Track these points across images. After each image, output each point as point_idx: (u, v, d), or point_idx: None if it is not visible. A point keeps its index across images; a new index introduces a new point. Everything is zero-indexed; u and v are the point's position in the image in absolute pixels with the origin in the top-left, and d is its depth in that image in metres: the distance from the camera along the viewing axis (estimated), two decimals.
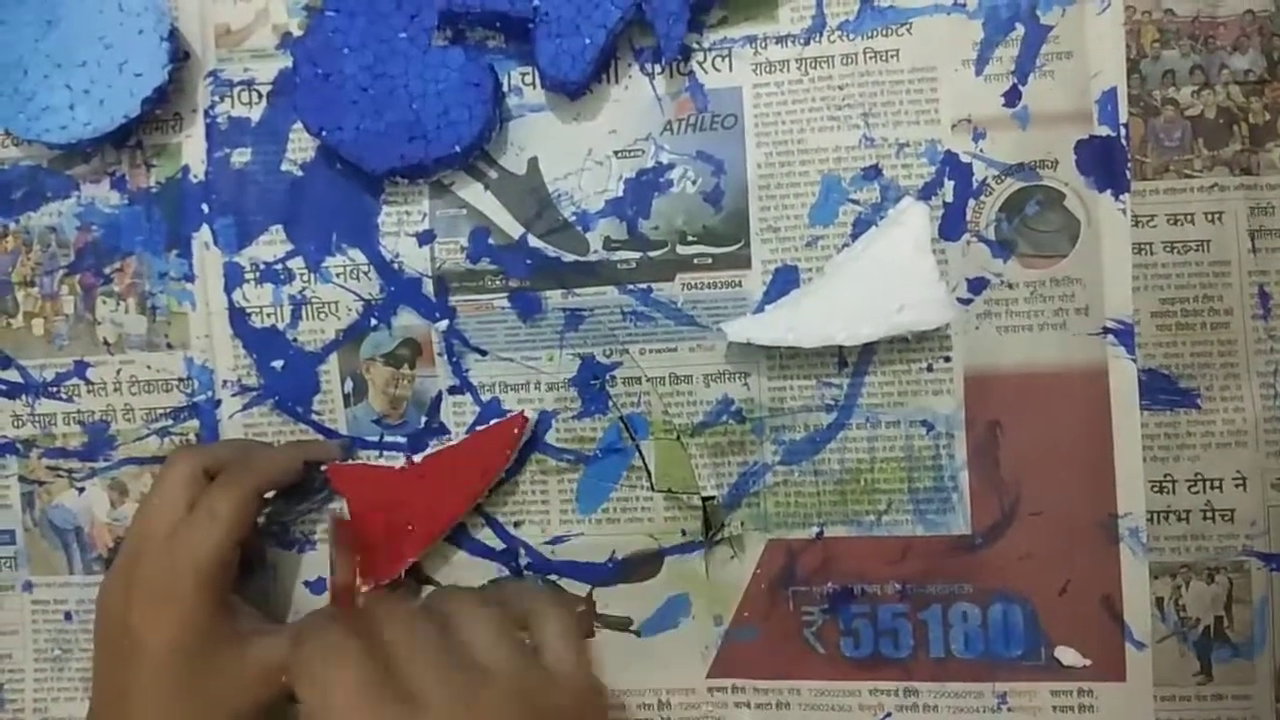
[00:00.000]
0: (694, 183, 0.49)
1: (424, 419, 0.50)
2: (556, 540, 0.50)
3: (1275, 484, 0.47)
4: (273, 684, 0.43)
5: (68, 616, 0.52)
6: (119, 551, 0.45)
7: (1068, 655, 0.47)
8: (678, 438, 0.49)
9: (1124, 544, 0.46)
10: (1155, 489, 0.47)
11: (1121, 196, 0.47)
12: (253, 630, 0.45)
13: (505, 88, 0.50)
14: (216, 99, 0.51)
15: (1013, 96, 0.47)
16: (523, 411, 0.49)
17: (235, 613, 0.45)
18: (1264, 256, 0.47)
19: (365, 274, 0.51)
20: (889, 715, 0.48)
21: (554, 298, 0.50)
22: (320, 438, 0.51)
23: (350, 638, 0.36)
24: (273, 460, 0.47)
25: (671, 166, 0.49)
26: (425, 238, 0.50)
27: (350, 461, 0.50)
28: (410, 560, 0.48)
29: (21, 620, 0.53)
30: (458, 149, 0.48)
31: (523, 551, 0.50)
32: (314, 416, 0.51)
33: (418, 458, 0.49)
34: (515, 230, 0.50)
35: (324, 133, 0.48)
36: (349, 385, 0.51)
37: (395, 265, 0.50)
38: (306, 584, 0.51)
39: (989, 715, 0.47)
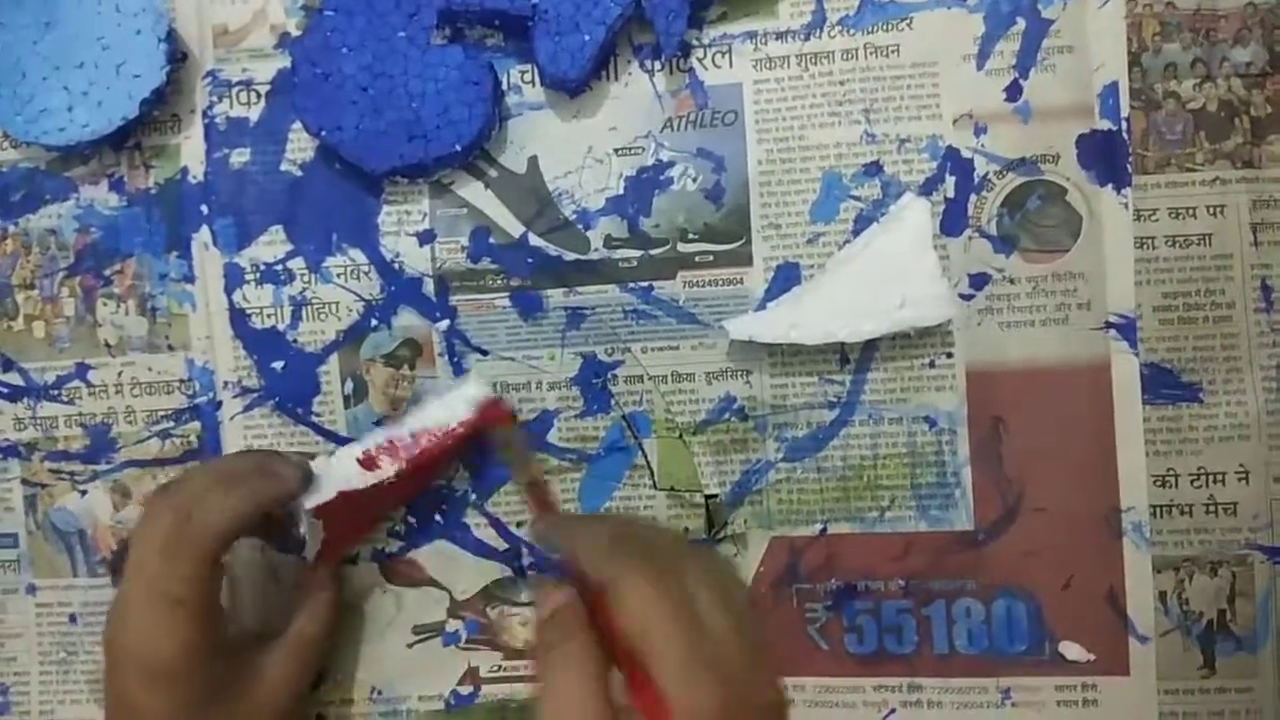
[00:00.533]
0: (695, 180, 0.49)
1: None
2: None
3: (1278, 477, 0.47)
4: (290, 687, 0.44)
5: (72, 619, 0.52)
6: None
7: (1071, 650, 0.47)
8: (680, 436, 0.49)
9: (1127, 538, 0.47)
10: (1158, 483, 0.47)
11: (1123, 191, 0.47)
12: (256, 653, 0.44)
13: (505, 86, 0.50)
14: (215, 99, 0.51)
15: (1014, 91, 0.47)
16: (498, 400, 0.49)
17: (230, 649, 0.43)
18: (1266, 250, 0.47)
19: (366, 274, 0.51)
20: (893, 711, 0.48)
21: (555, 296, 0.50)
22: (292, 456, 0.47)
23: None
24: (222, 515, 0.41)
25: (672, 164, 0.49)
26: (426, 237, 0.50)
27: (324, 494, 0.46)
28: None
29: (26, 623, 0.53)
30: (458, 148, 0.48)
31: (525, 551, 0.50)
32: (314, 418, 0.51)
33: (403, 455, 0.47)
34: (516, 229, 0.50)
35: (323, 133, 0.48)
36: (349, 386, 0.51)
37: (396, 265, 0.50)
38: None
39: (993, 710, 0.47)
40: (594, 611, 0.36)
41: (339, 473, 0.45)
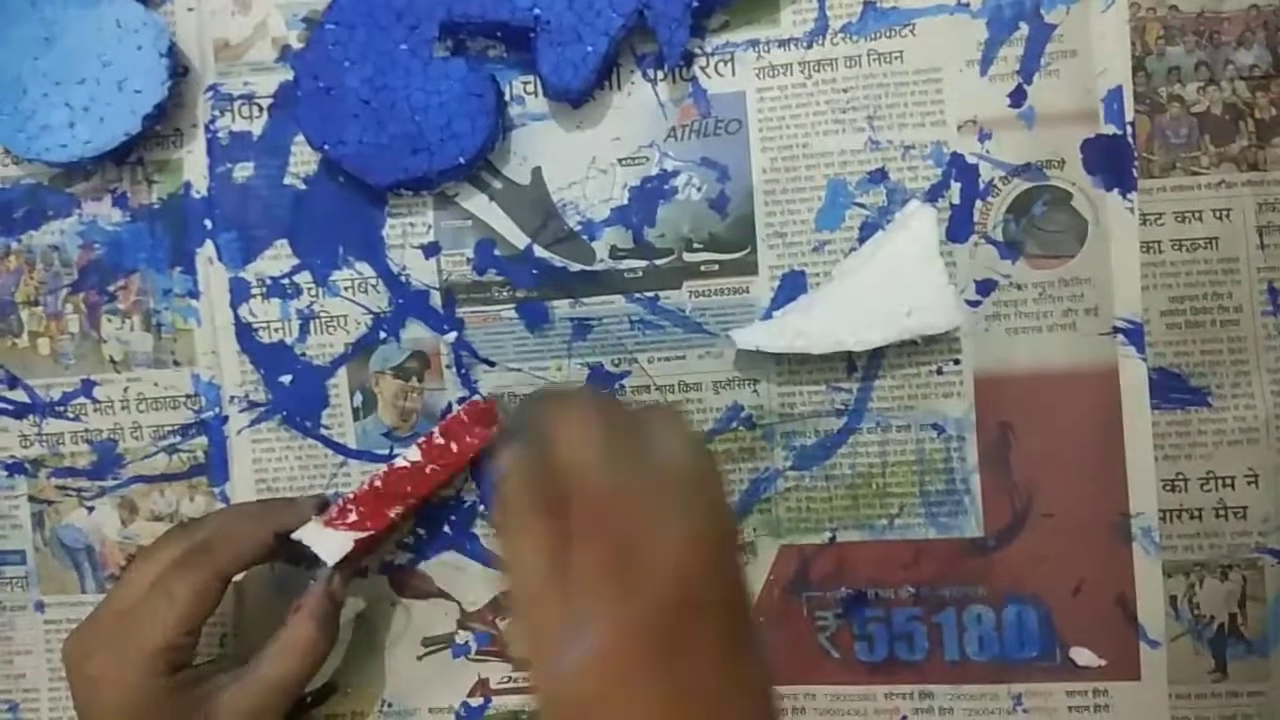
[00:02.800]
0: (699, 189, 0.49)
1: None
2: None
3: None
4: None
5: None
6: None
7: (1082, 655, 0.47)
8: None
9: (1137, 543, 0.47)
10: (1167, 488, 0.47)
11: (1129, 195, 0.47)
12: (216, 687, 0.43)
13: (507, 97, 0.50)
14: (217, 114, 0.51)
15: (1018, 96, 0.47)
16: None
17: (196, 678, 0.43)
18: (1273, 253, 0.47)
19: (374, 287, 0.51)
20: (904, 718, 0.48)
21: (561, 307, 0.50)
22: (284, 499, 0.50)
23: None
24: (239, 540, 0.44)
25: (676, 173, 0.49)
26: (431, 250, 0.50)
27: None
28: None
29: (35, 640, 0.53)
30: (461, 160, 0.48)
31: None
32: (323, 431, 0.51)
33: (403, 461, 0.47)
34: (521, 240, 0.50)
35: (326, 146, 0.48)
36: (358, 399, 0.51)
37: (403, 278, 0.50)
38: None
39: (1004, 717, 0.47)
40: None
41: (327, 547, 0.45)
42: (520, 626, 0.33)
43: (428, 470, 0.47)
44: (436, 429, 0.48)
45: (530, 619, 0.32)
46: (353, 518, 0.45)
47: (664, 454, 0.33)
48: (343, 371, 0.51)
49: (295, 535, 0.45)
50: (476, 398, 0.50)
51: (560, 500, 0.32)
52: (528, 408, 0.38)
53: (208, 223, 0.51)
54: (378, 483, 0.46)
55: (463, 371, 0.50)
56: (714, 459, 0.35)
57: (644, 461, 0.33)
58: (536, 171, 0.50)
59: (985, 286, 0.47)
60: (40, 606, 0.53)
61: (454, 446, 0.47)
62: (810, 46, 0.48)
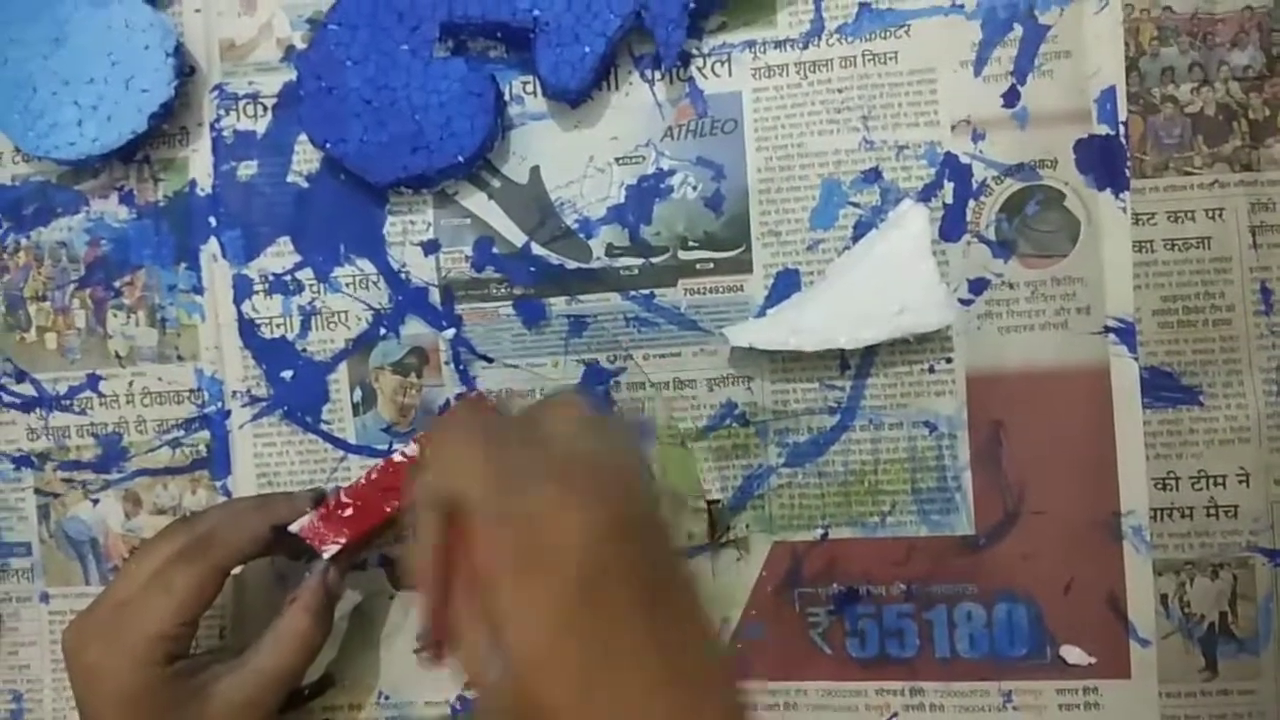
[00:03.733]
0: (695, 188, 0.49)
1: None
2: None
3: (1279, 480, 0.47)
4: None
5: None
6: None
7: (1073, 654, 0.47)
8: (682, 442, 0.49)
9: (1128, 542, 0.47)
10: (1158, 486, 0.47)
11: (1122, 195, 0.47)
12: (212, 677, 0.43)
13: (507, 97, 0.50)
14: (222, 113, 0.52)
15: (1011, 97, 0.48)
16: None
17: (193, 668, 0.43)
18: (1265, 252, 0.47)
19: (375, 284, 0.51)
20: (895, 715, 0.48)
21: (558, 305, 0.50)
22: (283, 494, 0.50)
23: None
24: (238, 534, 0.44)
25: (672, 172, 0.50)
26: (430, 247, 0.51)
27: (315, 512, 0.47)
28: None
29: (40, 631, 0.53)
30: (460, 159, 0.48)
31: None
32: (323, 426, 0.51)
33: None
34: (519, 238, 0.50)
35: (328, 145, 0.49)
36: (358, 394, 0.51)
37: (402, 275, 0.51)
38: None
39: (995, 714, 0.48)
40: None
41: (323, 540, 0.46)
42: (454, 651, 0.34)
43: None
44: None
45: (458, 644, 0.33)
46: (349, 511, 0.46)
47: (552, 445, 0.34)
48: (343, 367, 0.51)
49: (292, 528, 0.45)
50: (474, 392, 0.50)
51: (460, 521, 0.33)
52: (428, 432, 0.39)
53: (212, 220, 0.52)
54: (375, 476, 0.47)
55: (461, 368, 0.51)
56: (614, 435, 0.36)
57: (528, 462, 0.33)
58: (535, 170, 0.50)
59: (978, 285, 0.48)
60: (45, 598, 0.53)
61: None
62: (806, 47, 0.49)
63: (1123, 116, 0.47)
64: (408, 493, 0.36)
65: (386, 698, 0.51)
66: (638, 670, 0.30)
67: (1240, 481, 0.47)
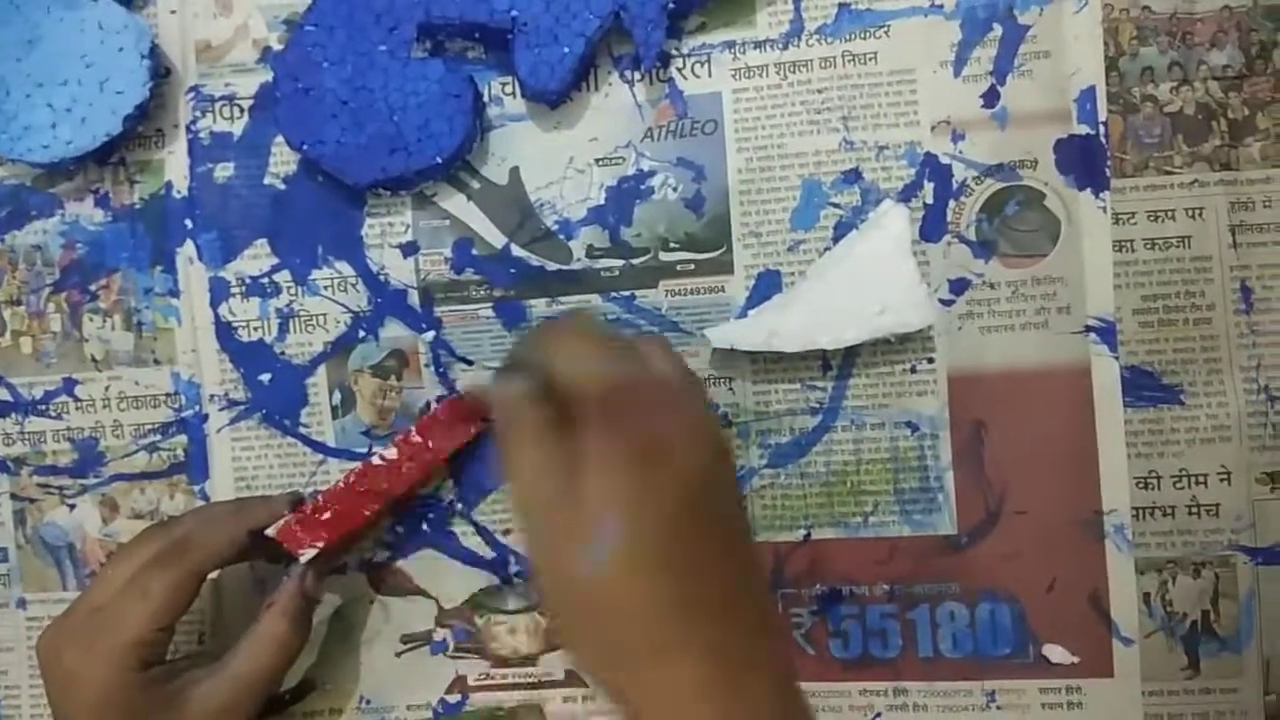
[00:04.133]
0: (675, 189, 0.49)
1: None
2: None
3: (1260, 478, 0.47)
4: None
5: None
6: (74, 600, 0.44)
7: (1055, 653, 0.47)
8: None
9: (1109, 541, 0.47)
10: (1140, 485, 0.47)
11: (1102, 194, 0.47)
12: (189, 682, 0.42)
13: (485, 98, 0.50)
14: (198, 114, 0.52)
15: (991, 97, 0.48)
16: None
17: (170, 674, 0.43)
18: (1245, 251, 0.47)
19: (353, 286, 0.51)
20: (879, 715, 0.48)
21: (538, 306, 0.50)
22: (260, 497, 0.50)
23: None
24: (215, 538, 0.44)
25: (652, 173, 0.49)
26: (409, 249, 0.51)
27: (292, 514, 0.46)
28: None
29: (16, 637, 0.53)
30: (439, 160, 0.48)
31: (512, 560, 0.50)
32: (302, 429, 0.51)
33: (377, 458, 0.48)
34: (498, 240, 0.50)
35: (305, 146, 0.48)
36: (337, 397, 0.51)
37: (381, 277, 0.51)
38: None
39: (978, 714, 0.48)
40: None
41: (300, 544, 0.46)
42: (532, 540, 0.34)
43: (404, 468, 0.47)
44: (414, 427, 0.48)
45: (544, 532, 0.33)
46: (327, 515, 0.45)
47: (660, 369, 0.35)
48: (322, 370, 0.51)
49: (269, 532, 0.45)
50: (454, 395, 0.50)
51: (565, 416, 0.33)
52: (523, 341, 0.40)
53: (188, 222, 0.52)
54: (353, 480, 0.46)
55: (441, 370, 0.50)
56: (698, 385, 0.38)
57: (644, 372, 0.35)
58: (514, 171, 0.50)
59: (958, 285, 0.48)
60: (22, 603, 0.53)
61: (431, 444, 0.47)
62: (786, 48, 0.49)
63: (1103, 116, 0.47)
64: (500, 380, 0.36)
65: (368, 702, 0.51)
66: (720, 590, 0.32)
67: (1222, 480, 0.47)
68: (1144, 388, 0.47)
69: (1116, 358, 0.47)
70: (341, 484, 0.46)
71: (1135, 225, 0.47)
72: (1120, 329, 0.47)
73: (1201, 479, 0.47)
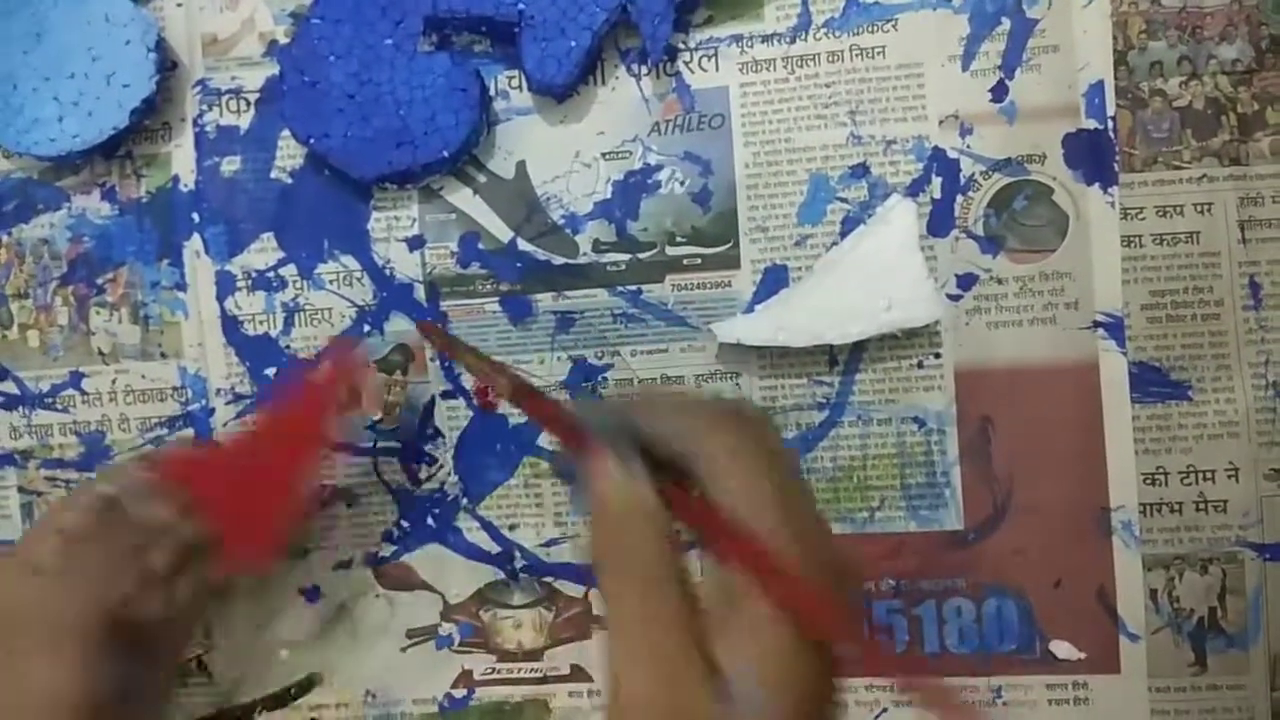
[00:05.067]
0: (682, 183, 0.49)
1: (417, 424, 0.50)
2: (551, 543, 0.50)
3: (1268, 474, 0.47)
4: None
5: None
6: None
7: (1062, 649, 0.47)
8: None
9: (1117, 537, 0.47)
10: (1147, 481, 0.47)
11: (1110, 189, 0.47)
12: None
13: (492, 92, 0.50)
14: (205, 108, 0.52)
15: (1000, 91, 0.47)
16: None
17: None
18: (1254, 247, 0.47)
19: (359, 280, 0.51)
20: (885, 710, 0.48)
21: (544, 301, 0.50)
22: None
23: None
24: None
25: (659, 168, 0.49)
26: (415, 243, 0.50)
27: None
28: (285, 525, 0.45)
29: None
30: (445, 154, 0.48)
31: (518, 554, 0.50)
32: None
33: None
34: (505, 234, 0.50)
35: (312, 140, 0.48)
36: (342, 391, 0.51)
37: (387, 271, 0.51)
38: (302, 591, 0.51)
39: (985, 709, 0.47)
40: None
41: None
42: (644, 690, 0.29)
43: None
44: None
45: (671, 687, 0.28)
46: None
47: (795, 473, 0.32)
48: (327, 364, 0.51)
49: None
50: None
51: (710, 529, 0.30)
52: (627, 411, 0.33)
53: (195, 216, 0.52)
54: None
55: (446, 365, 0.50)
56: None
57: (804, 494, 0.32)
58: (521, 165, 0.50)
59: (966, 280, 0.48)
60: None
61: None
62: (793, 41, 0.49)
63: (1111, 111, 0.47)
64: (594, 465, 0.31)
65: (373, 696, 0.51)
66: None
67: (1229, 476, 0.47)
68: (1152, 383, 0.47)
69: (1124, 353, 0.47)
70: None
71: (1144, 220, 0.47)
72: (1128, 324, 0.47)
73: (1209, 475, 0.47)
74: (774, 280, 0.49)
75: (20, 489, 0.53)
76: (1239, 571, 0.47)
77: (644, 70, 0.49)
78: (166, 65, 0.51)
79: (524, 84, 0.50)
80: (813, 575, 0.29)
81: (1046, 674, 0.47)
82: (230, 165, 0.51)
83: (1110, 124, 0.47)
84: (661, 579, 0.29)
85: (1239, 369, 0.47)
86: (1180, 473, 0.47)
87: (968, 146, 0.48)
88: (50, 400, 0.53)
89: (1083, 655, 0.47)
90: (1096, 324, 0.47)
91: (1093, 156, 0.47)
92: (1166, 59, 0.47)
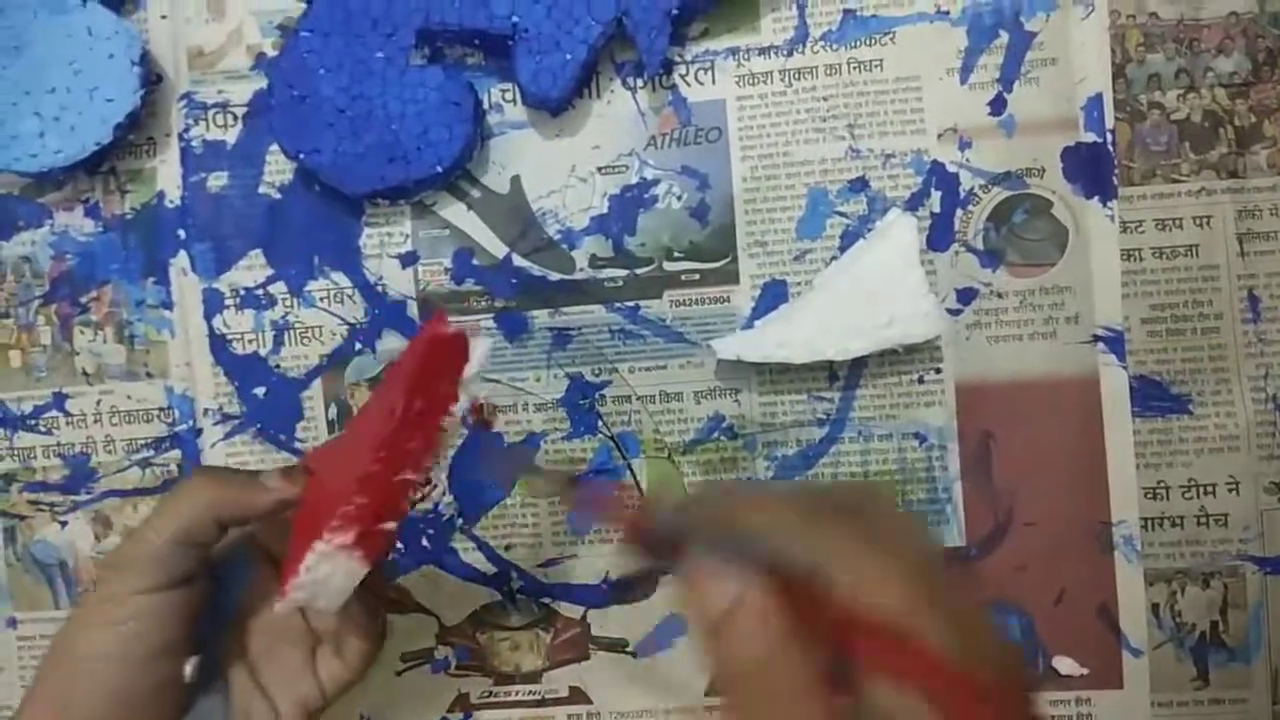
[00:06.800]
0: (679, 198, 0.49)
1: None
2: (549, 563, 0.49)
3: (1268, 488, 0.47)
4: None
5: None
6: None
7: (1065, 664, 0.47)
8: (669, 456, 0.49)
9: (1118, 551, 0.46)
10: (1149, 496, 0.47)
11: (1109, 203, 0.47)
12: None
13: (485, 105, 0.49)
14: (190, 122, 0.50)
15: (998, 104, 0.47)
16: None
17: None
18: (1252, 260, 0.47)
19: (350, 297, 0.50)
20: None
21: (541, 317, 0.49)
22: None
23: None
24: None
25: (656, 182, 0.49)
26: (408, 259, 0.50)
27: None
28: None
29: (8, 657, 0.52)
30: (439, 169, 0.47)
31: (514, 575, 0.49)
32: (297, 444, 0.50)
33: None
34: (499, 250, 0.49)
35: (301, 156, 0.47)
36: (333, 411, 0.50)
37: (379, 288, 0.50)
38: None
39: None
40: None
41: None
42: None
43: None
44: (397, 389, 0.35)
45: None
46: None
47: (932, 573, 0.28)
48: (317, 384, 0.50)
49: (281, 607, 0.36)
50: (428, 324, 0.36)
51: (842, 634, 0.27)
52: (728, 509, 0.30)
53: (181, 233, 0.50)
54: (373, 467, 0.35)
55: None
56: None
57: (944, 611, 0.27)
58: (515, 180, 0.49)
59: (966, 295, 0.47)
60: (13, 623, 0.52)
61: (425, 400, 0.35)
62: (790, 54, 0.48)
63: (1110, 124, 0.47)
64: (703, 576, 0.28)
65: (368, 719, 0.50)
66: None
67: (1230, 490, 0.47)
68: (1152, 397, 0.47)
69: (1125, 367, 0.46)
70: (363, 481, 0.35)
71: (1143, 234, 0.47)
72: (1128, 338, 0.47)
73: (1210, 489, 0.47)
74: (773, 295, 0.48)
75: (3, 513, 0.52)
76: (1240, 585, 0.47)
77: (640, 83, 0.49)
78: (151, 79, 0.50)
79: (518, 97, 0.49)
80: (986, 678, 0.26)
81: (1050, 690, 0.47)
82: (217, 181, 0.50)
83: (1109, 137, 0.47)
84: (801, 692, 0.26)
85: (1239, 382, 0.47)
86: (1181, 487, 0.47)
87: (967, 160, 0.47)
88: (33, 422, 0.51)
89: (1085, 671, 0.47)
90: (1097, 338, 0.47)
91: (1092, 170, 0.47)
92: (1164, 72, 0.47)
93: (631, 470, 0.49)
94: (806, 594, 0.27)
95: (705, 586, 0.28)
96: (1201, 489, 0.47)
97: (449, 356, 0.35)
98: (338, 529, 0.34)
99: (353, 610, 0.38)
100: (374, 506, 0.35)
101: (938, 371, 0.47)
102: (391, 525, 0.36)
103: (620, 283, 0.49)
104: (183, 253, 0.51)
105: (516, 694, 0.50)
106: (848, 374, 0.48)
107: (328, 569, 0.35)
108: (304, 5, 0.48)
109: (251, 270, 0.50)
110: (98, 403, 0.51)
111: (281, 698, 0.39)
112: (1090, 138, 0.47)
